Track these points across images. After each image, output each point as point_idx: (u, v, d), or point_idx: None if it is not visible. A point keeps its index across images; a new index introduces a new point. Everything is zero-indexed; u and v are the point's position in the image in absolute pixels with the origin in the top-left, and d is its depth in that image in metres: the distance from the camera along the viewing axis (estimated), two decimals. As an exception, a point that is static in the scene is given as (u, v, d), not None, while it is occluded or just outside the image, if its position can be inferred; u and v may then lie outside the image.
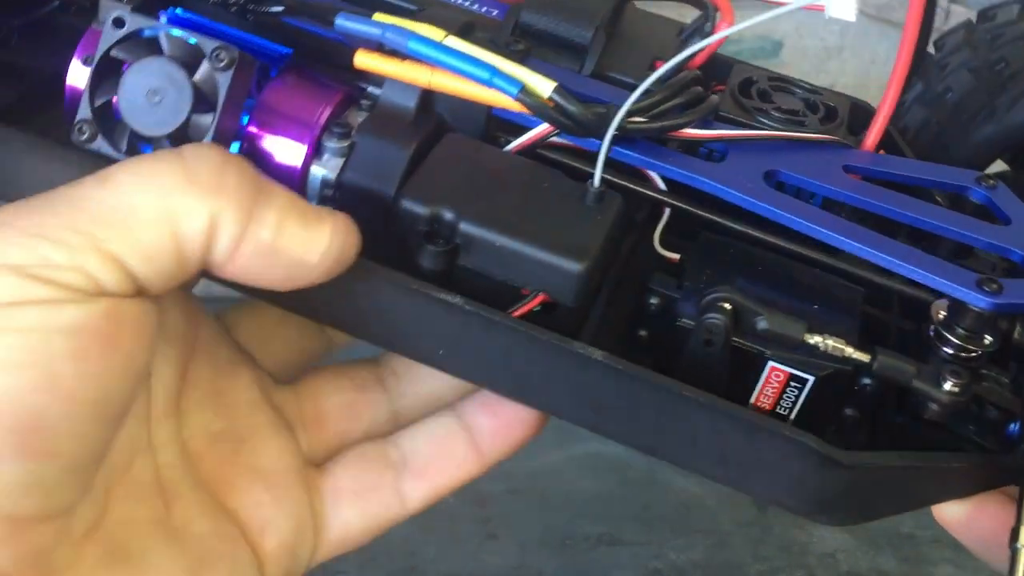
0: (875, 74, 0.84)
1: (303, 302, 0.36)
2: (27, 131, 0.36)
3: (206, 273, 0.31)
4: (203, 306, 0.39)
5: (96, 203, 0.28)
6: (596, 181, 0.36)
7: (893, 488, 0.35)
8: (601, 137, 0.36)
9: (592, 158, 0.36)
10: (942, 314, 0.37)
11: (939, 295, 0.37)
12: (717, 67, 0.46)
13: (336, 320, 0.37)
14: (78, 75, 0.39)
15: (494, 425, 0.39)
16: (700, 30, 0.44)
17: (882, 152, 0.45)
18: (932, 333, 0.37)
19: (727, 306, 0.35)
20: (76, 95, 0.38)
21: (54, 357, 0.26)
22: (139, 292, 0.28)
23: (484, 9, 0.46)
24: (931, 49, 0.59)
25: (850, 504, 0.34)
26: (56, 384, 0.26)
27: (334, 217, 0.32)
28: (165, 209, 0.28)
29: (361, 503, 0.39)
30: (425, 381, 0.40)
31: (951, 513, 0.36)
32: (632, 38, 0.46)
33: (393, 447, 0.39)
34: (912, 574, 0.43)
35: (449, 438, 0.39)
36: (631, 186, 0.39)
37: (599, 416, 0.35)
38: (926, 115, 0.54)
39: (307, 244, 0.31)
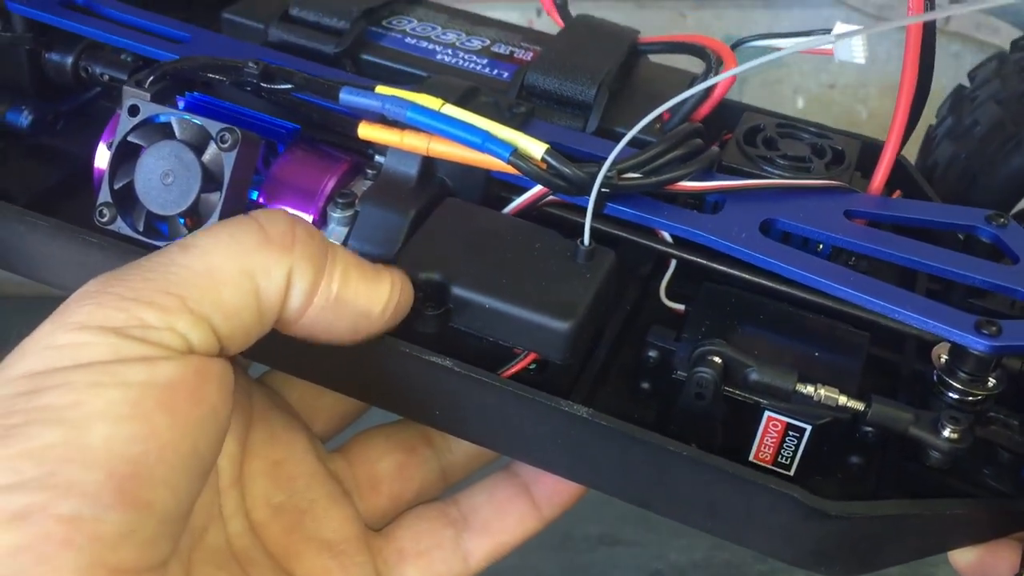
0: (875, 74, 0.82)
1: (314, 369, 0.38)
2: (53, 217, 0.39)
3: (276, 330, 0.33)
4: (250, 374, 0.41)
5: (183, 268, 0.29)
6: (586, 240, 0.37)
7: (895, 537, 0.34)
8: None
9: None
10: (944, 358, 0.36)
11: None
12: (728, 114, 0.46)
13: (345, 386, 0.38)
14: (103, 158, 0.41)
15: (551, 482, 0.40)
16: (704, 78, 0.45)
17: (898, 193, 0.45)
18: (935, 378, 0.37)
19: (716, 360, 0.35)
20: (102, 177, 0.41)
21: (151, 410, 0.27)
22: (221, 351, 0.30)
23: (495, 72, 0.47)
24: (965, 81, 0.59)
25: (848, 556, 0.34)
26: (153, 436, 0.27)
27: (391, 271, 0.34)
28: (245, 268, 0.30)
29: (424, 563, 0.40)
30: None
31: (962, 558, 0.36)
32: (643, 91, 0.47)
33: (453, 506, 0.41)
34: (912, 574, 0.42)
35: (509, 497, 0.40)
36: (633, 238, 0.40)
37: (593, 472, 0.35)
38: (954, 150, 0.53)
39: (371, 296, 0.33)
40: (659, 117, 0.45)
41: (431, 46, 0.48)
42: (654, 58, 0.50)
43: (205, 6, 0.50)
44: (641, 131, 0.43)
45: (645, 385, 0.39)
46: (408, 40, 0.49)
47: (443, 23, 0.50)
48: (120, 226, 0.38)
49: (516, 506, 0.40)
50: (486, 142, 0.37)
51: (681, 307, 0.41)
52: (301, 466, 0.39)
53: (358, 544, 0.39)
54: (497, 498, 0.40)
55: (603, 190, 0.37)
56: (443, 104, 0.38)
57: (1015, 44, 0.58)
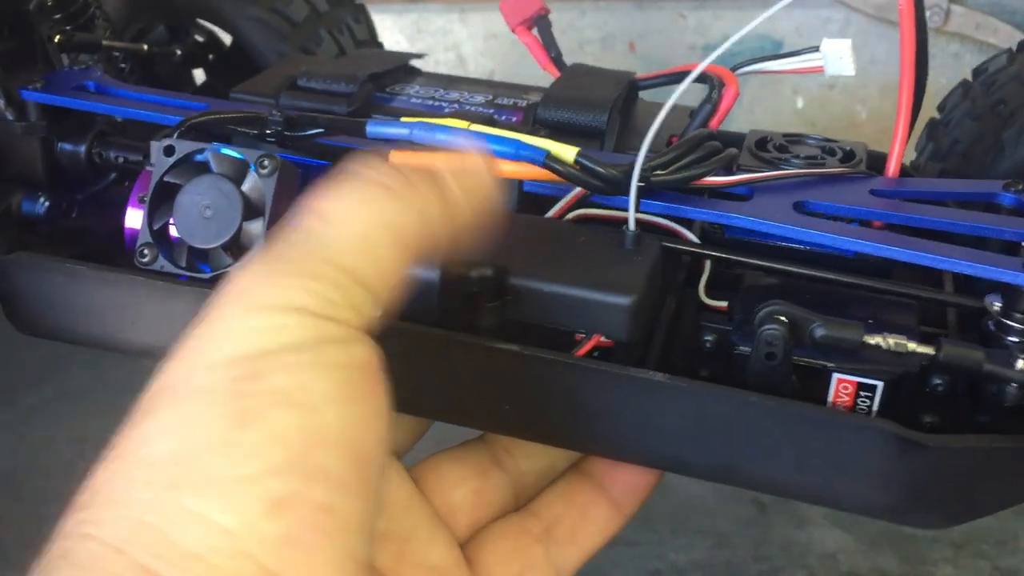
0: (875, 74, 0.85)
1: None
2: (94, 265, 0.38)
3: None
4: None
5: (337, 238, 0.28)
6: (631, 225, 0.37)
7: (991, 476, 0.33)
8: (628, 191, 0.37)
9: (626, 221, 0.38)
10: (997, 306, 0.37)
11: (989, 291, 0.37)
12: (730, 142, 0.48)
13: (409, 402, 0.37)
14: (134, 217, 0.41)
15: (626, 477, 0.39)
16: (709, 98, 0.46)
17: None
18: (992, 327, 0.37)
19: (782, 318, 0.35)
20: (135, 236, 0.41)
21: (363, 393, 0.26)
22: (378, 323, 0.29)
23: (504, 117, 0.49)
24: (935, 113, 0.61)
25: (945, 497, 0.33)
26: (368, 420, 0.26)
27: (468, 148, 0.32)
28: (389, 224, 0.29)
29: None
30: (538, 453, 0.40)
31: None
32: (645, 125, 0.48)
33: (531, 519, 0.39)
34: (912, 574, 0.41)
35: (589, 501, 0.39)
36: (668, 244, 0.41)
37: (673, 448, 0.34)
38: (941, 168, 0.55)
39: (480, 181, 0.31)
40: (667, 141, 0.47)
41: (437, 103, 0.50)
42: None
43: (212, 90, 0.51)
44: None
45: (704, 374, 0.39)
46: (414, 100, 0.50)
47: (444, 86, 0.52)
48: (162, 264, 0.37)
49: (598, 509, 0.38)
50: (519, 150, 0.38)
51: (723, 303, 0.41)
52: (397, 492, 0.38)
53: (460, 570, 0.37)
54: (577, 504, 0.38)
55: (639, 184, 0.37)
56: (470, 125, 0.39)
57: (976, 70, 0.62)
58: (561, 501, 0.39)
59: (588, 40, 0.90)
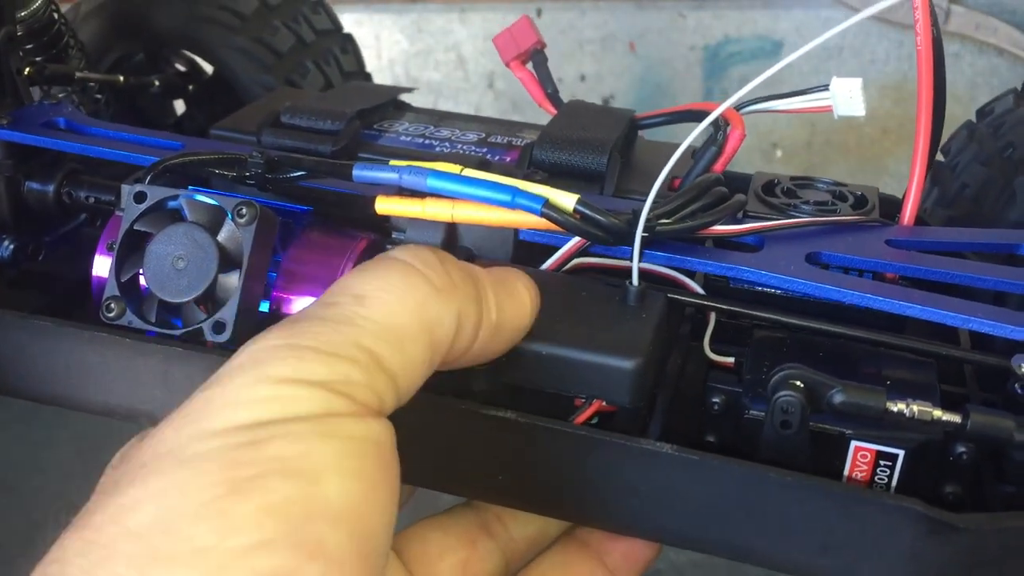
0: (875, 74, 0.83)
1: None
2: (57, 320, 0.36)
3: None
4: None
5: (370, 323, 0.27)
6: (635, 280, 0.35)
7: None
8: (631, 242, 0.35)
9: (626, 271, 0.35)
10: (1025, 367, 0.34)
11: (1013, 351, 0.35)
12: (735, 183, 0.45)
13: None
14: (102, 265, 0.39)
15: (625, 550, 0.36)
16: (714, 140, 0.44)
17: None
18: (1019, 390, 0.35)
19: (798, 383, 0.33)
20: (102, 286, 0.38)
21: (372, 468, 0.25)
22: (394, 409, 0.28)
23: (497, 158, 0.46)
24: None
25: (977, 579, 0.31)
26: (375, 496, 0.24)
27: (514, 273, 0.33)
28: (424, 322, 0.28)
29: None
30: (529, 521, 0.38)
31: None
32: (646, 165, 0.46)
33: None
34: None
35: (583, 571, 0.36)
36: (672, 295, 0.38)
37: (683, 525, 0.32)
38: (949, 215, 0.53)
39: (519, 311, 0.32)
40: (669, 183, 0.45)
41: (428, 141, 0.47)
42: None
43: (192, 121, 0.49)
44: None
45: (711, 439, 0.36)
46: (404, 138, 0.48)
47: (435, 122, 0.50)
48: (130, 319, 0.35)
49: None
50: (516, 197, 0.35)
51: (729, 360, 0.39)
52: None
53: None
54: (572, 574, 0.36)
55: (643, 235, 0.35)
56: (463, 169, 0.37)
57: (980, 112, 0.60)
58: (555, 571, 0.36)
59: (588, 40, 0.89)
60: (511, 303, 0.31)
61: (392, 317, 0.27)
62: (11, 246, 0.44)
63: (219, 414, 0.24)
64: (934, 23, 0.40)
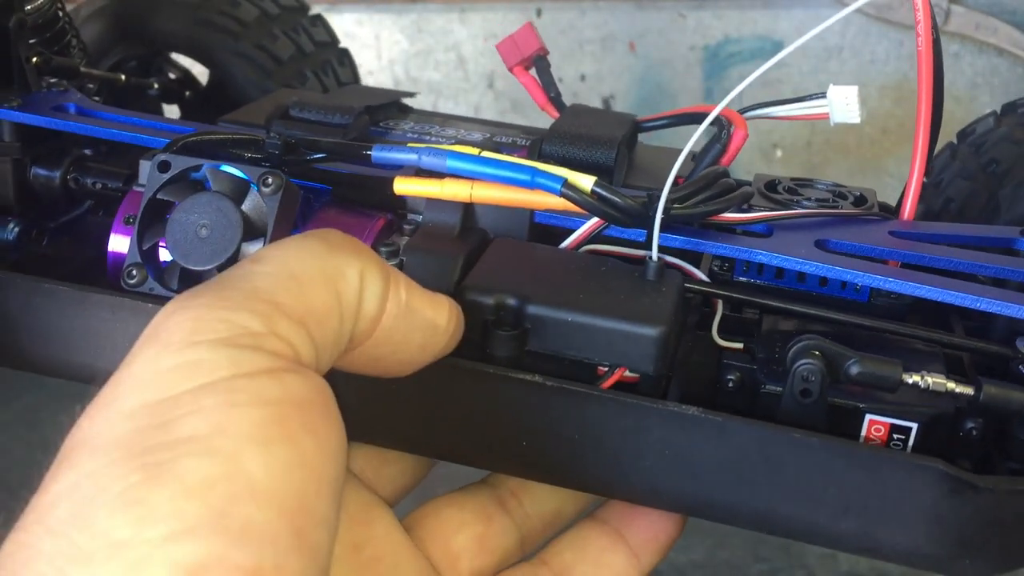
0: (875, 74, 0.85)
1: (383, 427, 0.35)
2: (78, 285, 0.35)
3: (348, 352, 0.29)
4: None
5: (264, 276, 0.26)
6: (654, 255, 0.35)
7: None
8: (647, 223, 0.36)
9: (639, 259, 0.36)
10: (1030, 345, 0.36)
11: (1012, 339, 0.36)
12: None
13: (413, 441, 0.35)
14: (120, 243, 0.39)
15: (647, 526, 0.36)
16: (718, 138, 0.45)
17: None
18: (1022, 369, 0.36)
19: (817, 352, 0.33)
20: (119, 261, 0.38)
21: (297, 432, 0.23)
22: (317, 364, 0.27)
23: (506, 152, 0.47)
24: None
25: (995, 542, 0.31)
26: (305, 463, 0.23)
27: (443, 295, 0.32)
28: (324, 270, 0.27)
29: None
30: (545, 498, 0.38)
31: None
32: (648, 166, 0.47)
33: (543, 568, 0.36)
34: (913, 574, 0.40)
35: (603, 548, 0.36)
36: (688, 285, 0.39)
37: (705, 493, 0.32)
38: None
39: (435, 309, 0.31)
40: (674, 182, 0.46)
41: (435, 139, 0.48)
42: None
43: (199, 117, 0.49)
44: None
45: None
46: (411, 135, 0.48)
47: (440, 123, 0.51)
48: (152, 287, 0.35)
49: (614, 557, 0.35)
50: (536, 177, 0.36)
51: (739, 345, 0.39)
52: (384, 546, 0.34)
53: None
54: (591, 552, 0.36)
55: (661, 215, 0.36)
56: (480, 151, 0.38)
57: (960, 134, 0.62)
58: (572, 548, 0.36)
59: (588, 40, 0.90)
60: (426, 299, 0.31)
61: (288, 266, 0.27)
62: (16, 229, 0.44)
63: (127, 395, 0.23)
64: (934, 26, 0.41)
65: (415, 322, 0.30)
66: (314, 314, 0.26)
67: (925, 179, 0.61)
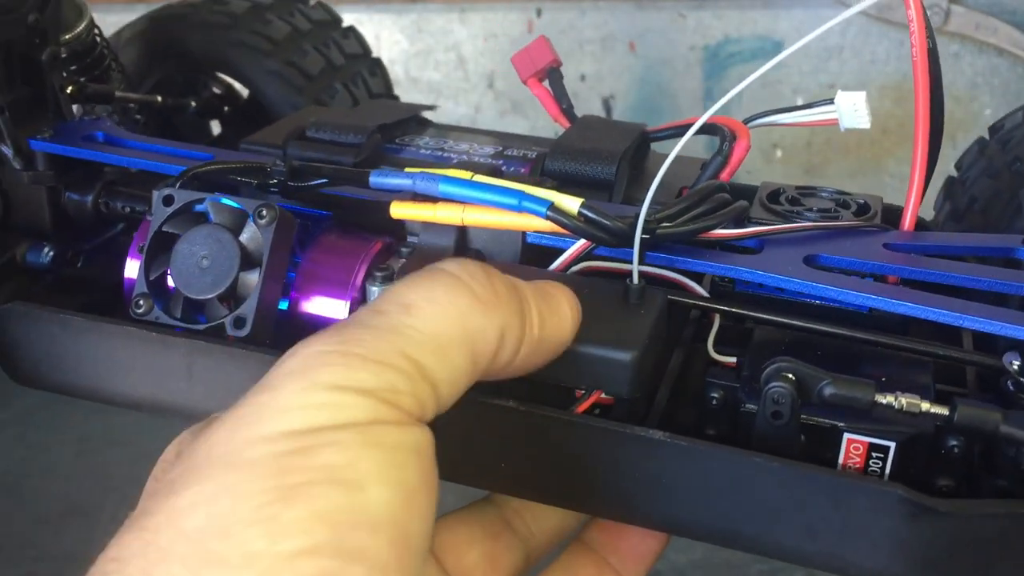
0: (875, 74, 0.83)
1: None
2: (89, 315, 0.38)
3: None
4: None
5: (415, 332, 0.28)
6: (635, 278, 0.36)
7: (1011, 545, 0.32)
8: (632, 244, 0.37)
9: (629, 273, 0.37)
10: (1016, 363, 0.35)
11: (1008, 348, 0.36)
12: (743, 194, 0.47)
13: None
14: (133, 268, 0.41)
15: (629, 545, 0.37)
16: (720, 150, 0.46)
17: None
18: (1011, 387, 0.35)
19: (789, 375, 0.34)
20: (133, 285, 0.40)
21: (412, 477, 0.25)
22: (435, 415, 0.29)
23: (512, 169, 0.48)
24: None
25: (961, 568, 0.31)
26: (415, 504, 0.25)
27: (556, 287, 0.33)
28: (467, 333, 0.29)
29: None
30: (548, 515, 0.39)
31: None
32: (655, 176, 0.48)
33: None
34: None
35: (589, 574, 0.37)
36: (675, 298, 0.40)
37: (675, 511, 0.33)
38: (959, 229, 0.54)
39: (562, 325, 0.32)
40: (678, 192, 0.46)
41: (447, 154, 0.49)
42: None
43: (226, 142, 0.51)
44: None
45: (711, 432, 0.37)
46: (423, 151, 0.50)
47: (455, 138, 0.52)
48: (157, 315, 0.37)
49: None
50: (523, 201, 0.37)
51: (731, 360, 0.40)
52: None
53: None
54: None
55: (643, 236, 0.37)
56: (473, 175, 0.39)
57: (992, 128, 0.61)
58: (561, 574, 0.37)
59: (588, 40, 0.90)
60: (553, 318, 0.32)
61: (436, 327, 0.28)
62: (50, 252, 0.47)
63: (271, 420, 0.25)
64: (930, 36, 0.41)
65: (544, 348, 0.32)
66: (449, 379, 0.28)
67: (955, 173, 0.61)
